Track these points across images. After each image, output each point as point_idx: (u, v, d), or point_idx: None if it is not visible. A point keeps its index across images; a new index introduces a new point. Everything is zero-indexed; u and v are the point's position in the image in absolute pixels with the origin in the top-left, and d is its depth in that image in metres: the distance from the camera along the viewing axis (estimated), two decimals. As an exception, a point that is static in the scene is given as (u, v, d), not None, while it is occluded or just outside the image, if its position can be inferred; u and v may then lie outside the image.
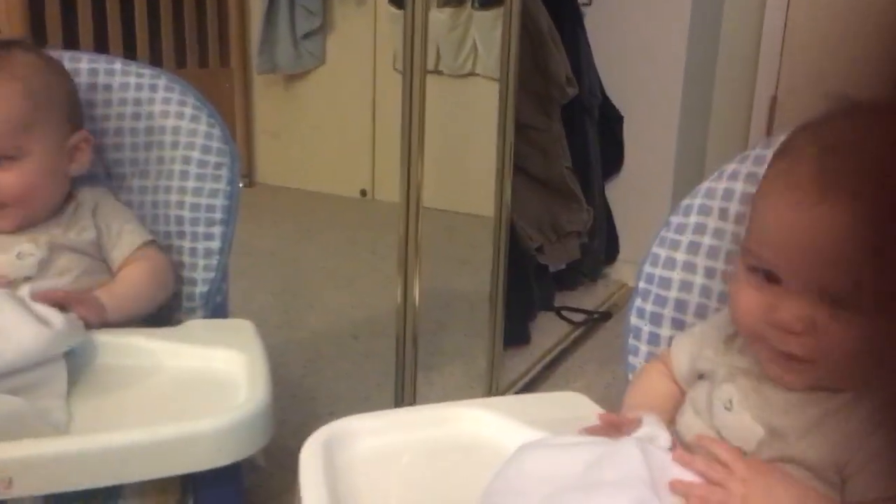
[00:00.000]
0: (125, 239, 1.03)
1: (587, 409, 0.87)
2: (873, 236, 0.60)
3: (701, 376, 0.74)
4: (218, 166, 1.10)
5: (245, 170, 2.99)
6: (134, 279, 1.02)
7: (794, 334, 0.62)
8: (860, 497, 0.61)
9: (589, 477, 0.63)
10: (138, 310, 1.00)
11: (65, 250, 0.99)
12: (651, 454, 0.62)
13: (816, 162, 0.62)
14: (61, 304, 0.89)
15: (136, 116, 1.11)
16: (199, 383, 0.91)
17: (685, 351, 0.77)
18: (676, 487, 0.61)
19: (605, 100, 2.08)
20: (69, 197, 1.03)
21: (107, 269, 1.04)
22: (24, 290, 0.90)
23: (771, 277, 0.64)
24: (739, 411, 0.67)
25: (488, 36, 2.44)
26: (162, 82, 1.11)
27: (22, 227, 0.99)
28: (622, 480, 0.60)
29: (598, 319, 1.95)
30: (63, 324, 0.85)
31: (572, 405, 0.89)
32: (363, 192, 2.89)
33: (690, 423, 0.71)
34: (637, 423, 0.68)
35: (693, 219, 0.86)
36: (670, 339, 0.84)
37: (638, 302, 0.89)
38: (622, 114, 2.12)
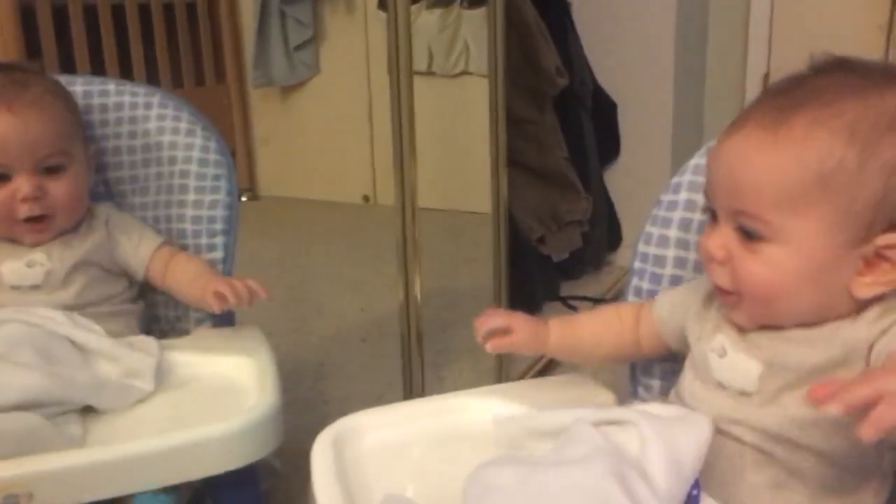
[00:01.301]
0: (146, 242, 1.06)
1: (593, 390, 0.88)
2: (781, 170, 0.62)
3: (688, 344, 0.76)
4: (216, 178, 1.12)
5: (247, 183, 3.01)
6: (200, 263, 1.07)
7: (718, 263, 0.67)
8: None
9: (557, 457, 0.65)
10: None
11: (74, 261, 1.01)
12: (605, 430, 0.65)
13: (756, 102, 0.66)
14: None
15: (133, 135, 1.13)
16: (210, 390, 0.93)
17: (669, 299, 0.80)
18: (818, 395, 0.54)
19: (598, 88, 2.09)
20: None
21: (114, 278, 1.06)
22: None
23: (713, 216, 0.68)
24: (733, 353, 0.68)
25: (478, 34, 2.46)
26: (156, 100, 1.13)
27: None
28: (589, 455, 0.62)
29: (604, 307, 1.96)
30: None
31: (577, 387, 0.90)
32: (366, 198, 2.91)
33: (691, 387, 0.73)
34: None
35: (683, 196, 0.88)
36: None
37: (634, 281, 0.90)
38: (615, 101, 2.13)
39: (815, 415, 0.60)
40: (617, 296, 2.02)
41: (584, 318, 0.89)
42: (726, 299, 0.69)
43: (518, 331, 0.83)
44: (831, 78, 0.65)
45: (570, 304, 1.94)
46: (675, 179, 0.89)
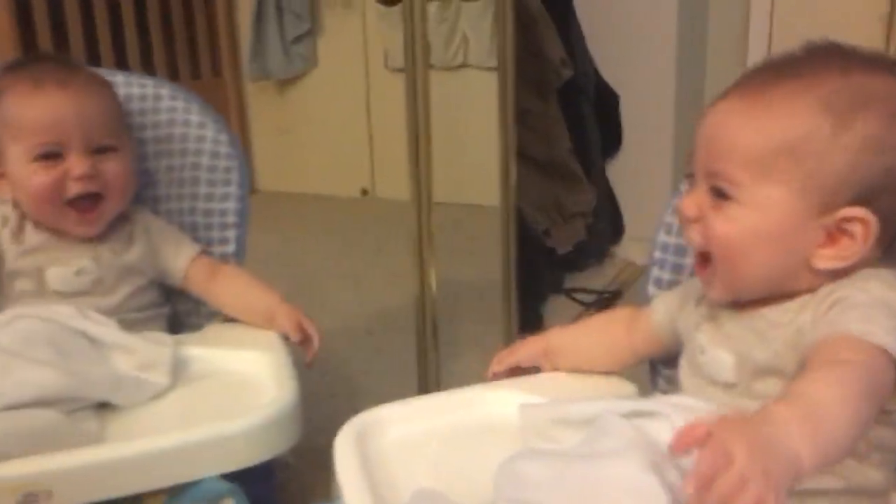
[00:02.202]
0: (184, 250, 1.05)
1: (614, 382, 0.88)
2: (754, 132, 0.66)
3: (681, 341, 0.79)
4: (227, 170, 1.11)
5: (244, 177, 2.98)
6: (251, 278, 1.08)
7: (691, 221, 0.69)
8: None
9: (589, 449, 0.65)
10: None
11: (121, 270, 1.01)
12: (639, 426, 0.65)
13: (744, 75, 0.69)
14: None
15: (142, 127, 1.11)
16: (226, 386, 0.92)
17: (664, 301, 0.83)
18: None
19: (599, 79, 2.09)
20: (122, 216, 1.04)
21: (154, 286, 1.05)
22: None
23: (694, 180, 0.71)
24: (710, 350, 0.72)
25: (477, 26, 2.45)
26: (165, 92, 1.12)
27: (97, 235, 1.01)
28: (624, 448, 0.62)
29: (608, 299, 1.95)
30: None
31: (599, 379, 0.89)
32: (364, 191, 2.90)
33: (689, 383, 0.75)
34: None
35: (703, 186, 0.87)
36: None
37: (655, 271, 0.90)
38: (617, 92, 2.12)
39: None
40: (620, 287, 2.02)
41: (579, 327, 0.94)
42: (703, 273, 0.71)
43: (516, 352, 0.90)
44: (818, 57, 0.68)
45: (574, 297, 1.94)
46: (695, 169, 0.89)
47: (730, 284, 0.70)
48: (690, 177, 0.72)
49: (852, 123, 0.63)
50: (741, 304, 0.71)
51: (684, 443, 0.53)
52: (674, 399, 0.71)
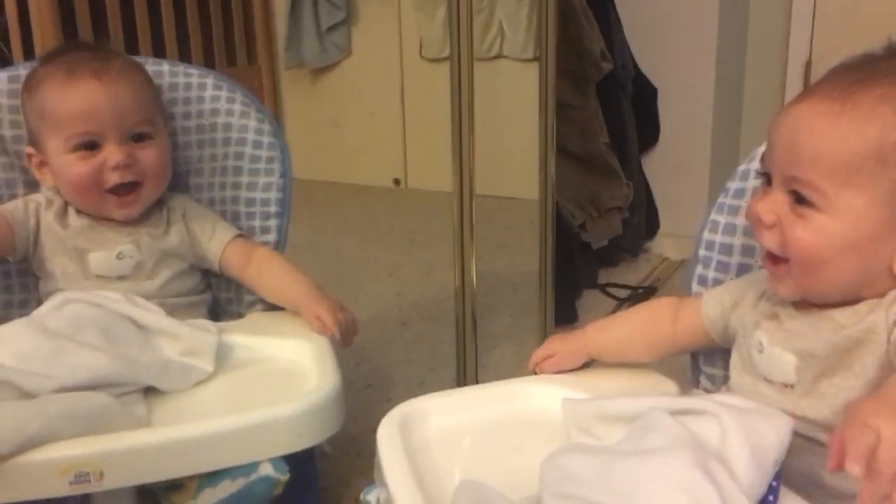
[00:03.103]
0: (219, 234, 1.06)
1: (655, 379, 0.88)
2: (841, 140, 0.64)
3: (734, 336, 0.78)
4: (270, 160, 1.12)
5: (277, 166, 3.00)
6: (284, 263, 1.07)
7: (766, 228, 0.68)
8: None
9: (635, 446, 0.65)
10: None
11: (160, 254, 1.02)
12: (685, 423, 0.65)
13: (827, 76, 0.68)
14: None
15: (187, 116, 1.12)
16: (269, 373, 0.94)
17: (716, 296, 0.81)
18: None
19: (638, 73, 2.07)
20: (159, 201, 1.06)
21: (195, 271, 1.07)
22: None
23: (768, 181, 0.69)
24: (769, 348, 0.71)
25: (514, 16, 2.44)
26: (210, 81, 1.13)
27: (137, 219, 1.02)
28: (671, 445, 0.62)
29: (642, 294, 1.94)
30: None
31: (641, 376, 0.89)
32: (397, 182, 2.90)
33: (740, 381, 0.75)
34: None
35: (752, 183, 0.86)
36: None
37: (699, 269, 0.90)
38: (656, 86, 2.11)
39: (851, 397, 0.64)
40: (654, 283, 2.01)
41: (617, 318, 0.92)
42: (774, 269, 0.70)
43: (558, 352, 0.88)
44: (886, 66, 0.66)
45: (608, 292, 1.93)
46: (743, 167, 0.88)
47: (805, 287, 0.69)
48: (765, 176, 0.71)
49: None
50: (807, 304, 0.71)
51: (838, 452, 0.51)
52: (720, 397, 0.70)
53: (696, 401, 0.69)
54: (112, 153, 0.98)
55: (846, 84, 0.65)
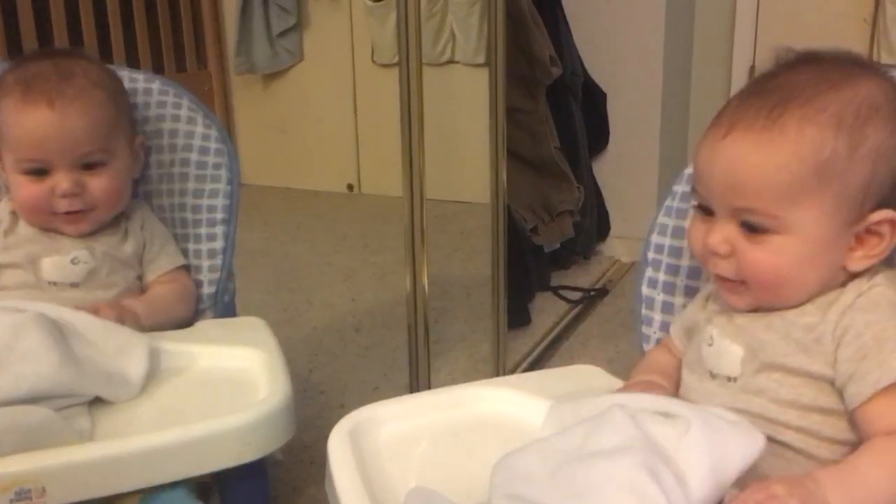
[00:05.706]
0: (163, 260, 1.05)
1: (603, 380, 0.88)
2: (781, 167, 0.66)
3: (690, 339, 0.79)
4: (217, 166, 1.10)
5: (229, 172, 2.96)
6: (167, 297, 1.04)
7: (721, 257, 0.70)
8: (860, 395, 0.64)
9: (587, 448, 0.64)
10: (163, 325, 1.01)
11: (115, 263, 1.01)
12: (642, 420, 0.65)
13: (735, 103, 0.70)
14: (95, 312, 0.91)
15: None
16: (219, 382, 0.92)
17: (678, 322, 0.83)
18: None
19: (588, 78, 2.09)
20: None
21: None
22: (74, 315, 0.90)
23: (708, 210, 0.71)
24: (719, 340, 0.72)
25: (465, 22, 2.45)
26: (156, 86, 1.11)
27: (92, 232, 1.01)
28: (620, 446, 0.62)
29: (595, 296, 1.97)
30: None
31: (588, 377, 0.90)
32: (350, 187, 2.89)
33: (688, 380, 0.76)
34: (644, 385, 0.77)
35: (697, 188, 0.87)
36: (684, 306, 0.86)
37: (649, 272, 0.91)
38: (605, 91, 2.13)
39: (790, 394, 0.67)
40: (606, 285, 2.03)
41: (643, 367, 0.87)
42: (731, 287, 0.72)
43: None
44: (805, 73, 0.69)
45: (561, 295, 1.95)
46: (689, 170, 0.89)
47: (764, 300, 0.71)
48: (701, 208, 0.72)
49: (864, 135, 0.66)
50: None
51: None
52: (711, 408, 0.67)
53: (680, 405, 0.68)
54: (60, 181, 0.96)
55: (766, 111, 0.67)
